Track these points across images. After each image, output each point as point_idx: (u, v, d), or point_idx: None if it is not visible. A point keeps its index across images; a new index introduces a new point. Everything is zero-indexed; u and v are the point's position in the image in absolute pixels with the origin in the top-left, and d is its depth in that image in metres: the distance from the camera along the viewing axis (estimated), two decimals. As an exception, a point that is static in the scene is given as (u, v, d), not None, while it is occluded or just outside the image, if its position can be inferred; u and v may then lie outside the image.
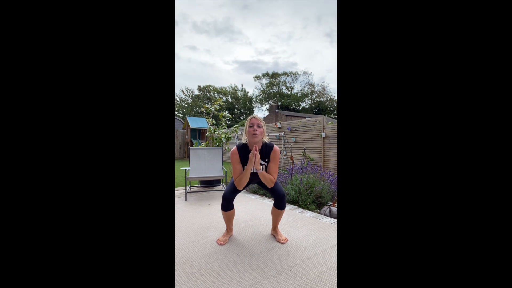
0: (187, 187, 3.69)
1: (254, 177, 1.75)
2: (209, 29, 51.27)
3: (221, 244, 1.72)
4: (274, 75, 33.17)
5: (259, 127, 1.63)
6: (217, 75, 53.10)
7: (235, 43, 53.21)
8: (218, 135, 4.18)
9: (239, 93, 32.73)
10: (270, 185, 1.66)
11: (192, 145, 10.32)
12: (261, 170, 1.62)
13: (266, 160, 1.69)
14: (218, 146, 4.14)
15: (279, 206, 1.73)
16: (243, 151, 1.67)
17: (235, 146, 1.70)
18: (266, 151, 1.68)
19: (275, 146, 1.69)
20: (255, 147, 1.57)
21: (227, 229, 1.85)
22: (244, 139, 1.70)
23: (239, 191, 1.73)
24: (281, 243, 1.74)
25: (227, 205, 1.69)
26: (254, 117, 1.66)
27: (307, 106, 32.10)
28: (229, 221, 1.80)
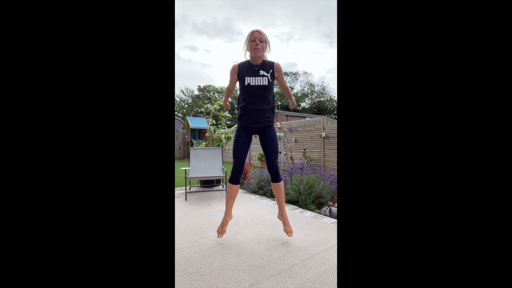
0: (187, 187, 3.69)
1: (260, 90, 1.64)
2: (209, 29, 51.32)
3: (220, 236, 1.74)
4: (274, 75, 33.05)
5: (261, 41, 1.57)
6: (217, 75, 53.14)
7: (235, 44, 53.21)
8: (218, 135, 4.18)
9: (239, 93, 32.68)
10: (291, 97, 1.83)
11: (192, 145, 10.32)
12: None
13: (271, 71, 1.64)
14: (218, 146, 4.14)
15: (272, 179, 1.74)
16: (244, 65, 1.65)
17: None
18: (268, 64, 1.65)
19: (276, 62, 1.68)
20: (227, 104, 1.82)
21: (226, 212, 1.77)
22: (246, 55, 1.67)
23: (244, 158, 1.72)
24: (288, 235, 1.74)
25: (237, 178, 1.71)
26: (257, 31, 1.59)
27: (307, 106, 32.09)
28: (231, 198, 1.74)
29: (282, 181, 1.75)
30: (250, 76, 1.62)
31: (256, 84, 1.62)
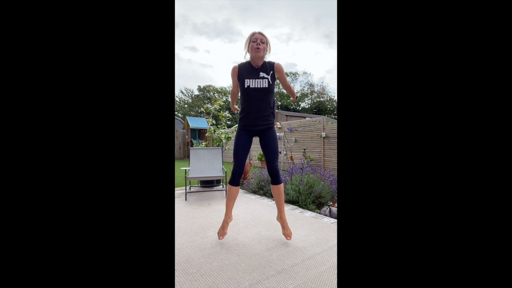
0: (187, 187, 3.69)
1: (259, 92, 1.62)
2: (209, 30, 51.36)
3: (220, 238, 1.74)
4: (274, 75, 33.06)
5: (262, 42, 1.57)
6: (217, 76, 53.19)
7: (235, 44, 53.23)
8: (218, 135, 4.18)
9: (239, 93, 32.66)
10: (294, 94, 1.86)
11: (192, 145, 10.32)
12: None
13: (271, 72, 1.62)
14: (218, 146, 4.14)
15: (272, 181, 1.74)
16: (245, 66, 1.64)
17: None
18: (268, 66, 1.64)
19: (276, 62, 1.67)
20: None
21: (226, 213, 1.77)
22: (246, 56, 1.67)
23: (244, 160, 1.71)
24: (287, 238, 1.73)
25: (237, 180, 1.70)
26: (258, 32, 1.60)
27: (307, 106, 32.09)
28: (231, 200, 1.74)
29: (282, 184, 1.75)
30: (250, 78, 1.61)
31: (256, 86, 1.60)
